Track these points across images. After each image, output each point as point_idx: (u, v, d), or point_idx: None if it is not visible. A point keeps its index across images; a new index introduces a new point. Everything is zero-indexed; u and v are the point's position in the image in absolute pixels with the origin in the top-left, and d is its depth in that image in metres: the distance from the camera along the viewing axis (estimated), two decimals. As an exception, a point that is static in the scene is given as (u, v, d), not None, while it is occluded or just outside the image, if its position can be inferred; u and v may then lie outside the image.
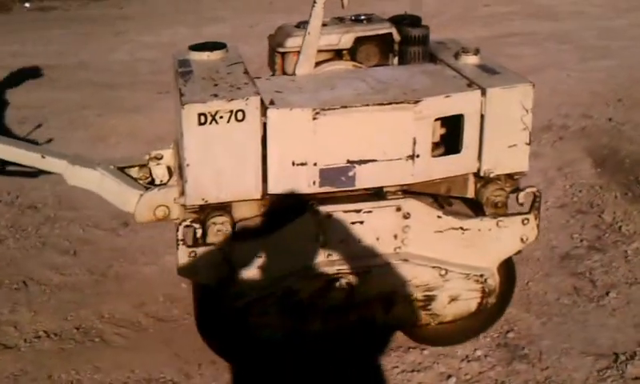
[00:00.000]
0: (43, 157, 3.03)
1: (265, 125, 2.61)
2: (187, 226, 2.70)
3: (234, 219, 2.75)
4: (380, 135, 2.67)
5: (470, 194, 2.91)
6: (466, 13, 8.95)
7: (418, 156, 2.69)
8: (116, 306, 3.45)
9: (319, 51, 3.00)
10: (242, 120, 2.58)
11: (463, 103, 2.73)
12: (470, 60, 2.99)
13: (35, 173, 3.58)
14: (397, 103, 2.66)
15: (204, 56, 3.01)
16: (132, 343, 3.22)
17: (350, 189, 2.72)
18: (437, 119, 2.74)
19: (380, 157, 2.69)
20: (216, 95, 2.61)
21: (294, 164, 2.64)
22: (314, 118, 2.61)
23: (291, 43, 3.04)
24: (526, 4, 9.33)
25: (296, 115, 2.61)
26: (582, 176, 4.67)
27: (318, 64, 3.03)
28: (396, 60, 3.16)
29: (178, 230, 2.69)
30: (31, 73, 6.77)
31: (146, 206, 2.91)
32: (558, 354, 3.10)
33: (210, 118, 2.57)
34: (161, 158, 3.05)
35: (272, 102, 2.63)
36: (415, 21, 3.19)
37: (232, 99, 2.58)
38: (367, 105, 2.65)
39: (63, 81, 6.73)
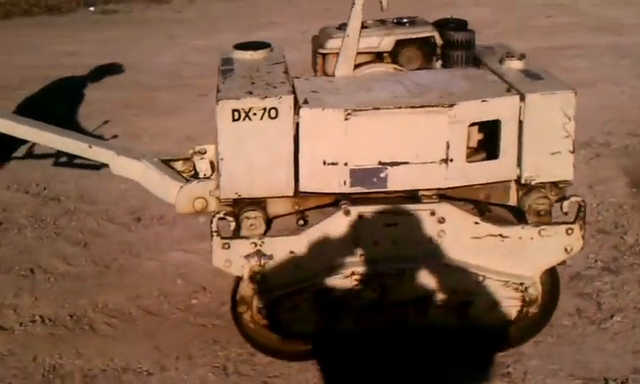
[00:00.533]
0: (90, 147, 3.13)
1: (297, 124, 2.62)
2: (221, 219, 2.74)
3: (269, 215, 2.78)
4: (413, 138, 2.65)
5: (512, 201, 2.85)
6: (523, 23, 8.76)
7: (451, 160, 2.66)
8: (112, 297, 3.52)
9: (360, 53, 2.99)
10: (275, 118, 2.61)
11: (500, 108, 2.68)
12: (514, 65, 2.94)
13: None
14: (430, 106, 2.63)
15: (247, 55, 3.05)
16: (118, 333, 3.28)
17: (382, 190, 2.70)
18: (473, 124, 2.70)
19: (412, 159, 2.66)
20: (250, 92, 2.64)
21: (325, 163, 2.64)
22: (346, 119, 2.60)
23: (331, 45, 3.05)
24: (590, 16, 9.06)
25: (328, 115, 2.62)
26: (614, 195, 4.43)
27: (358, 66, 3.02)
28: (439, 63, 3.13)
29: (212, 222, 2.73)
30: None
31: (185, 197, 2.97)
32: (544, 375, 2.92)
33: (243, 115, 2.60)
34: (204, 153, 3.10)
35: (305, 102, 2.64)
36: (461, 25, 3.15)
37: (266, 97, 2.60)
38: (400, 107, 2.63)
39: (111, 80, 6.88)
